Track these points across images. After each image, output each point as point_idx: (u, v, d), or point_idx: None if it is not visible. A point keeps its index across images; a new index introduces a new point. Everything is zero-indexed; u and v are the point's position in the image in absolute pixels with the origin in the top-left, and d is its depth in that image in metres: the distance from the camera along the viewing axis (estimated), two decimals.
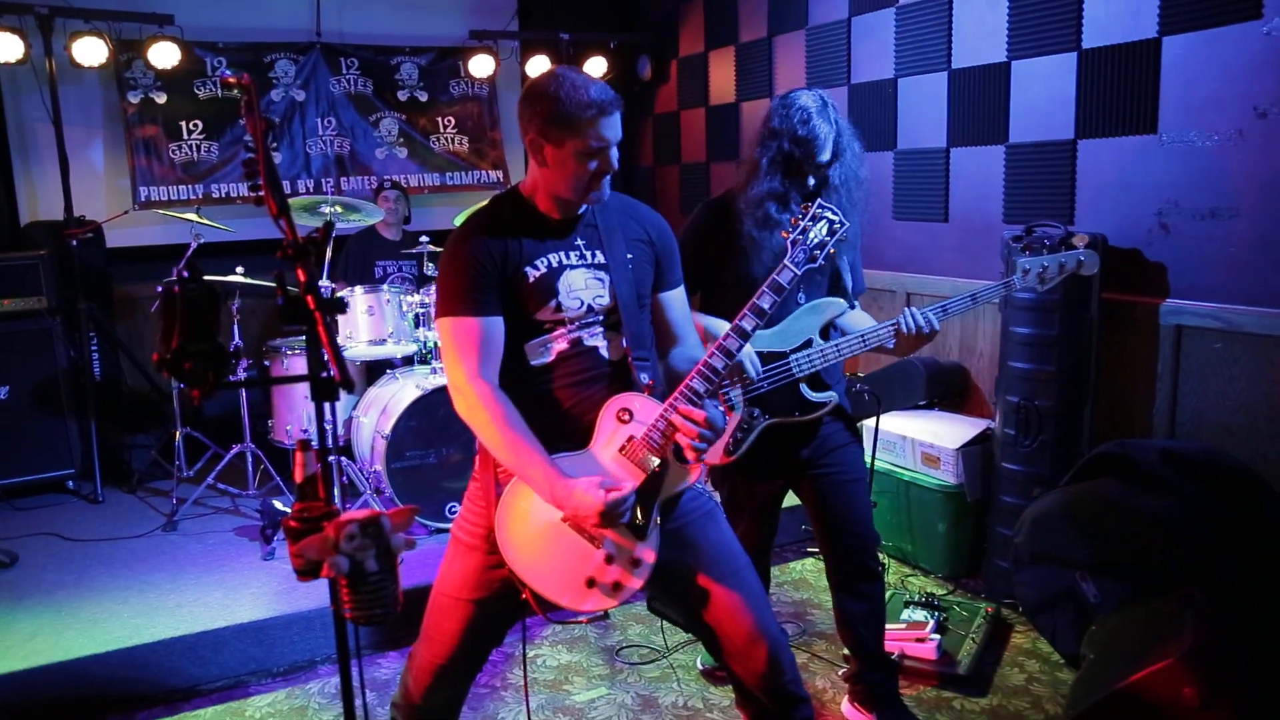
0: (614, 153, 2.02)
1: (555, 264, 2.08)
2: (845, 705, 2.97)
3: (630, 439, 2.03)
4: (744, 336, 2.08)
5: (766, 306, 2.12)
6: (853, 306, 2.75)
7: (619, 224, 2.17)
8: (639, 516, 2.01)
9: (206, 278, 1.50)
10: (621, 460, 2.03)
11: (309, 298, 1.43)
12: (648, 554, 2.03)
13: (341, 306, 1.48)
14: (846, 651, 3.02)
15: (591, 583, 2.02)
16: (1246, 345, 3.18)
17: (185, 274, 1.43)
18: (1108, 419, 3.60)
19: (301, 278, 1.46)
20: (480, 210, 2.16)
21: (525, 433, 1.98)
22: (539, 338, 2.08)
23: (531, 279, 2.05)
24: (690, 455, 1.99)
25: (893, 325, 2.57)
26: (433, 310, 4.39)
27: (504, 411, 1.98)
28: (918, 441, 3.94)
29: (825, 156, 2.54)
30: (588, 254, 2.12)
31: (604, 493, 1.91)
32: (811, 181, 2.56)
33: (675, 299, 2.27)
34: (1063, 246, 2.58)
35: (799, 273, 2.16)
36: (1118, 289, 3.52)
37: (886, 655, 2.91)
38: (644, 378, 2.10)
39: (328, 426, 1.53)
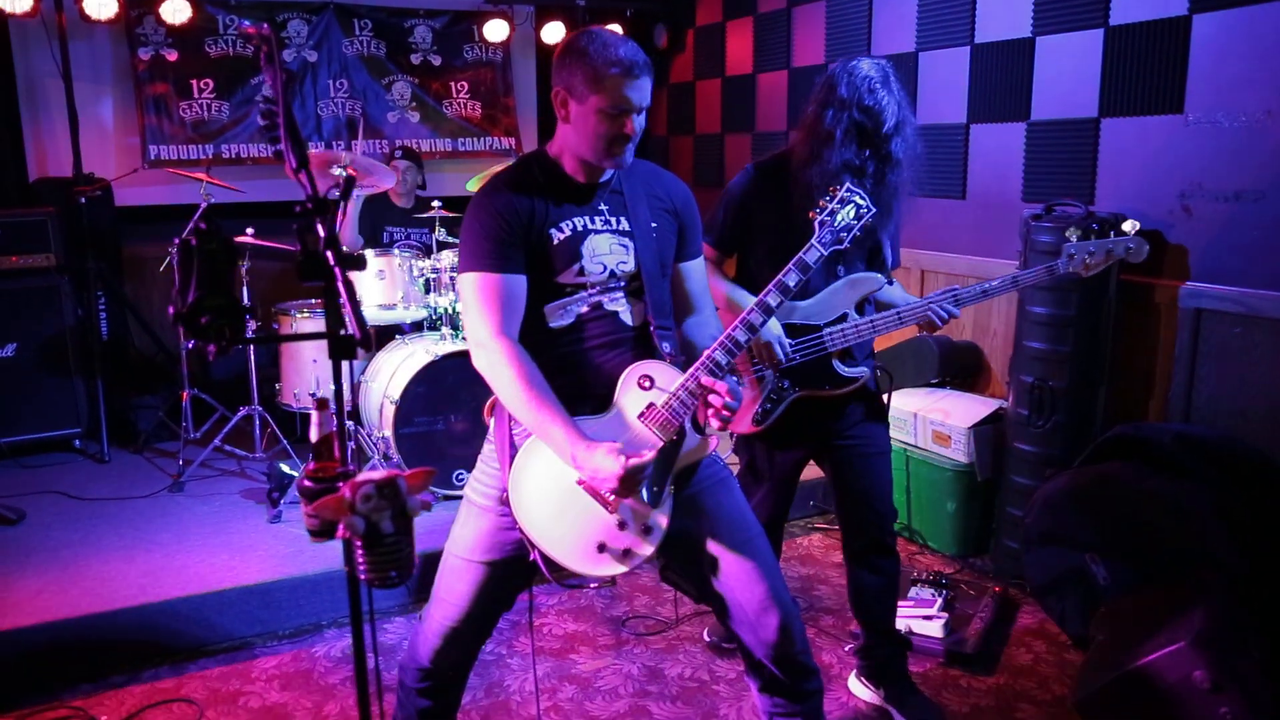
0: (638, 119, 1.99)
1: (580, 228, 2.06)
2: (853, 680, 2.97)
3: (650, 406, 2.01)
4: (768, 312, 2.06)
5: (792, 284, 2.10)
6: (890, 282, 2.72)
7: (644, 191, 2.15)
8: (654, 484, 2.00)
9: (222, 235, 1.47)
10: (640, 427, 2.01)
11: (329, 253, 1.40)
12: (660, 521, 2.02)
13: (361, 263, 1.45)
14: (854, 628, 3.02)
15: (602, 548, 2.01)
16: (1267, 330, 3.14)
17: (202, 226, 1.40)
18: (1122, 401, 3.57)
19: (321, 233, 1.43)
20: (507, 168, 2.13)
21: (546, 392, 1.96)
22: (560, 300, 2.06)
23: (556, 241, 2.03)
24: (711, 426, 1.98)
25: (926, 307, 2.54)
26: (440, 276, 4.36)
27: (525, 369, 1.96)
28: (929, 419, 3.92)
29: (889, 128, 2.50)
30: (613, 219, 2.10)
31: (625, 458, 1.88)
32: (869, 153, 2.52)
33: (695, 269, 2.25)
34: (1111, 231, 2.51)
35: (825, 253, 2.14)
36: (1137, 270, 3.47)
37: (897, 631, 2.90)
38: (665, 346, 2.08)
39: (344, 384, 1.51)
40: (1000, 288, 2.57)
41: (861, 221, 2.17)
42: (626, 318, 2.10)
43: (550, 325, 2.06)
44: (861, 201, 2.17)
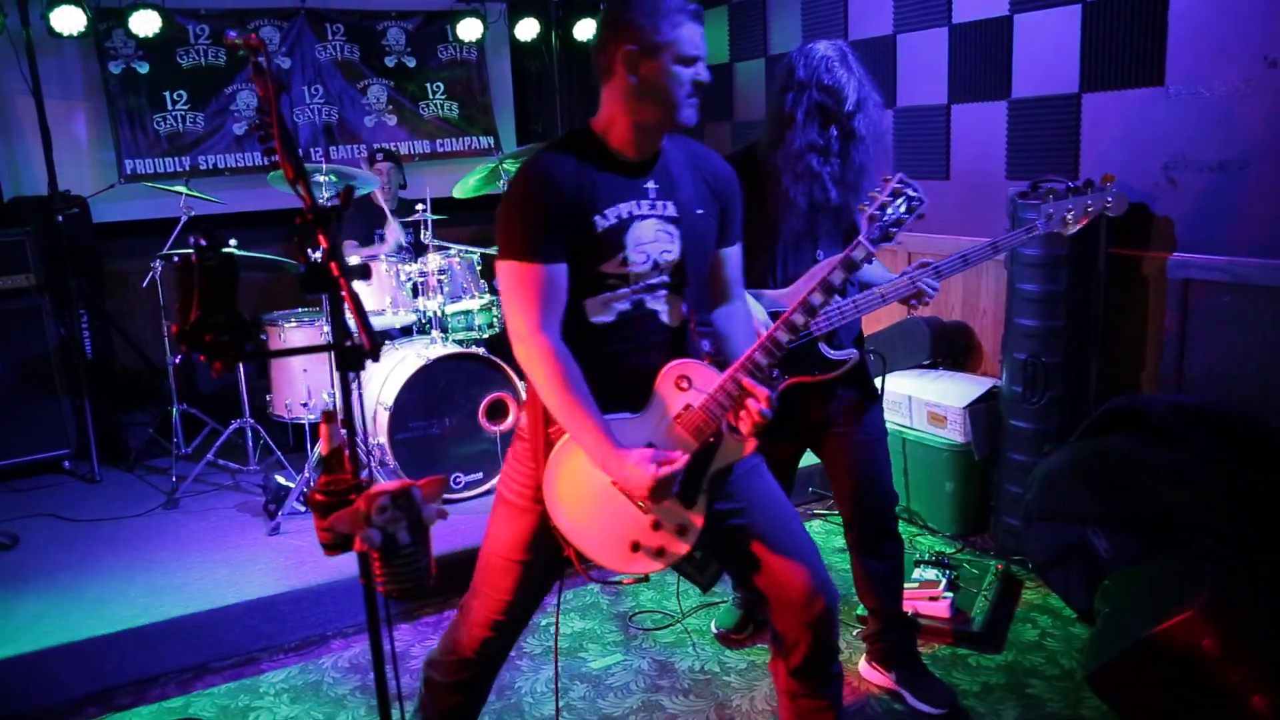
0: (705, 68, 1.94)
1: (625, 215, 1.97)
2: (863, 664, 2.97)
3: (688, 407, 1.98)
4: (811, 313, 1.99)
5: (837, 283, 2.02)
6: (869, 261, 2.71)
7: (692, 173, 2.07)
8: (689, 485, 1.97)
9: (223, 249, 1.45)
10: (677, 428, 1.99)
11: (333, 264, 1.38)
12: (696, 520, 2.00)
13: (366, 273, 1.44)
14: (861, 612, 3.02)
15: (636, 546, 2.00)
16: (1255, 297, 3.16)
17: (203, 242, 1.38)
18: (1115, 374, 3.59)
19: (324, 244, 1.41)
20: (550, 145, 2.01)
21: (584, 396, 1.92)
22: (601, 295, 1.98)
23: (600, 229, 1.94)
24: (747, 430, 1.93)
25: (908, 282, 2.55)
26: (427, 280, 4.33)
27: (565, 371, 1.91)
28: (924, 401, 3.93)
29: (851, 105, 2.49)
30: (658, 204, 2.00)
31: (655, 467, 1.87)
32: (835, 132, 2.51)
33: (734, 255, 2.17)
34: (1089, 189, 2.51)
35: (873, 250, 2.06)
36: (1125, 243, 3.50)
37: (904, 614, 2.91)
38: (705, 345, 2.06)
39: (336, 397, 1.49)
40: (979, 254, 2.55)
41: (914, 215, 2.10)
42: (666, 318, 2.05)
43: (590, 320, 1.99)
44: (914, 194, 2.10)
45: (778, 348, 1.95)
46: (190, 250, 1.40)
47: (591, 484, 1.98)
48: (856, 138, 2.53)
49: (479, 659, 2.19)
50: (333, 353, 1.42)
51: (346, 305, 1.42)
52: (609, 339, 2.00)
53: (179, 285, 1.44)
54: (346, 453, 1.46)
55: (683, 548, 2.00)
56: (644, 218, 1.98)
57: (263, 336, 4.62)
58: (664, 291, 2.03)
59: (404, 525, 1.42)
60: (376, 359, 1.41)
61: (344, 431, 1.45)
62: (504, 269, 1.94)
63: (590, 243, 1.94)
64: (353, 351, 1.41)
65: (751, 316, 2.19)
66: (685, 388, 1.99)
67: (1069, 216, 2.49)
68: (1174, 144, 3.35)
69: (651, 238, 1.99)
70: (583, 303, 1.98)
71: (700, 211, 2.04)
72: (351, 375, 1.41)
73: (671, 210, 2.01)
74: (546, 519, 2.02)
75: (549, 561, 2.10)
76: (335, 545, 1.48)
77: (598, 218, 1.94)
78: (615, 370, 2.01)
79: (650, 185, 2.01)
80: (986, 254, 2.54)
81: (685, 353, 2.07)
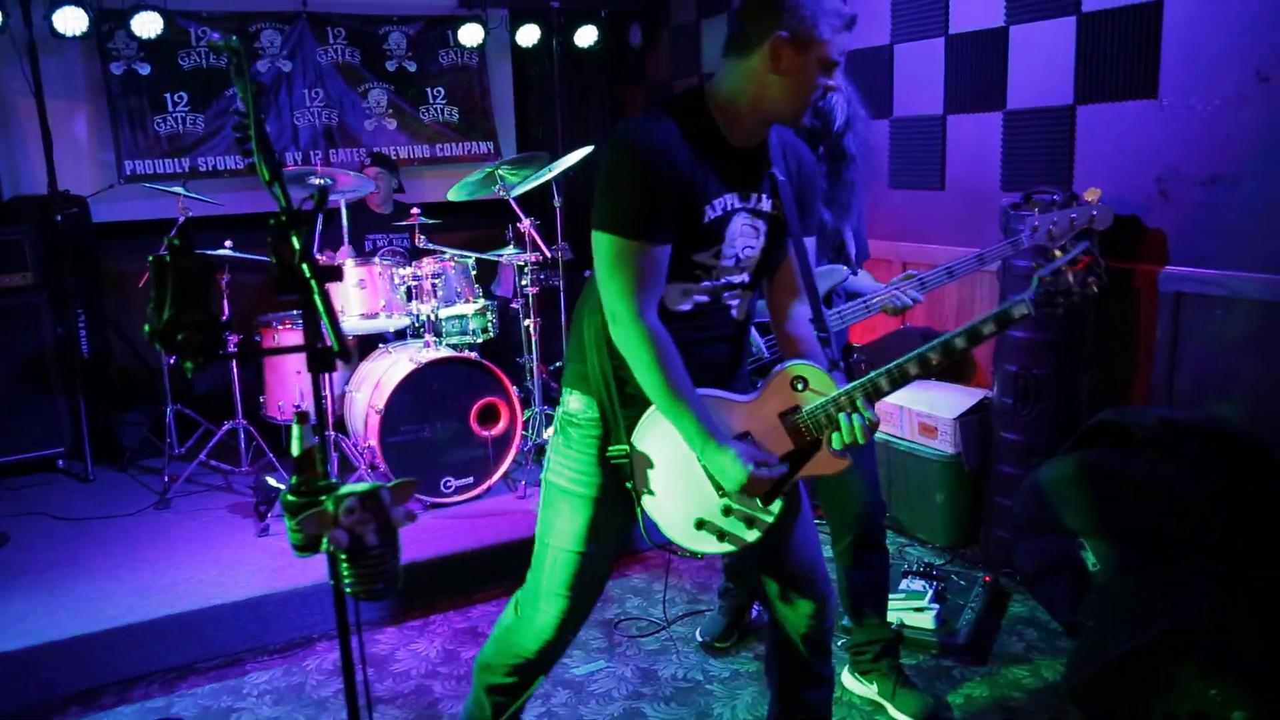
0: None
1: (730, 207, 1.91)
2: (845, 675, 2.97)
3: (796, 409, 1.94)
4: (950, 355, 1.89)
5: (985, 335, 1.90)
6: (855, 273, 2.72)
7: (785, 165, 2.00)
8: (774, 486, 1.93)
9: (196, 251, 1.46)
10: (779, 426, 1.95)
11: (304, 265, 1.39)
12: (768, 518, 1.97)
13: (337, 274, 1.44)
14: (846, 623, 3.02)
15: (701, 525, 1.97)
16: (1247, 312, 3.15)
17: (175, 241, 1.38)
18: (1106, 387, 3.58)
19: (296, 245, 1.41)
20: (663, 116, 1.88)
21: (686, 381, 1.87)
22: (684, 283, 1.93)
23: (707, 219, 1.88)
24: (842, 445, 1.89)
25: (890, 293, 2.55)
26: (421, 284, 4.33)
27: (669, 356, 1.86)
28: (915, 411, 3.92)
29: (839, 125, 2.49)
30: (756, 198, 1.95)
31: (753, 467, 1.84)
32: (824, 151, 2.51)
33: (806, 248, 2.07)
34: (1074, 203, 2.51)
35: (1031, 314, 1.91)
36: (1117, 256, 3.49)
37: (889, 626, 2.90)
38: (762, 343, 2.09)
39: (324, 395, 1.49)
40: (965, 266, 2.55)
41: (1085, 289, 1.93)
42: (736, 313, 2.02)
43: (668, 307, 1.94)
44: (1099, 268, 1.94)
45: (903, 378, 1.89)
46: (164, 250, 1.40)
47: (676, 454, 1.94)
48: (846, 157, 2.52)
49: (541, 658, 2.15)
50: (306, 354, 1.42)
51: (321, 306, 1.42)
52: (681, 327, 1.94)
53: (154, 285, 1.45)
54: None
55: (749, 538, 1.98)
56: (742, 212, 1.94)
57: (257, 338, 4.64)
58: (740, 288, 2.00)
59: (372, 527, 1.42)
60: (348, 360, 1.42)
61: (315, 436, 1.45)
62: (607, 242, 1.85)
63: (695, 231, 1.89)
64: (324, 353, 1.41)
65: (810, 315, 2.10)
66: (800, 389, 1.95)
67: (1054, 229, 2.49)
68: (1166, 157, 3.35)
69: (743, 233, 1.95)
70: (666, 287, 1.92)
71: (790, 207, 1.99)
72: (340, 376, 1.42)
73: (766, 206, 1.97)
74: (610, 496, 2.01)
75: (616, 542, 2.10)
76: (305, 545, 1.48)
77: (707, 207, 1.88)
78: (689, 360, 1.93)
79: (757, 178, 1.96)
80: (972, 266, 2.54)
81: (746, 348, 2.08)
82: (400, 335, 4.63)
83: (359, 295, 4.35)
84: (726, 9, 5.62)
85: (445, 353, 4.19)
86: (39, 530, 4.05)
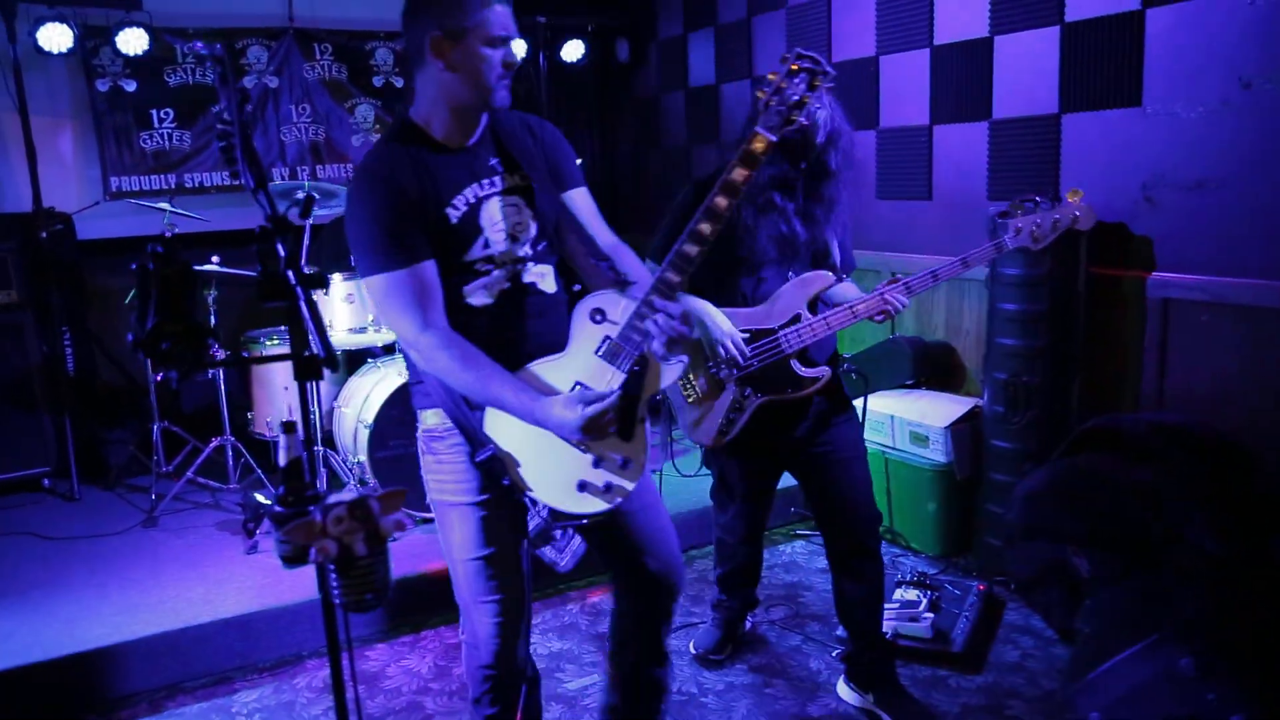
0: (516, 47, 1.98)
1: (473, 199, 1.99)
2: (841, 685, 2.95)
3: (606, 339, 1.99)
4: (715, 219, 1.94)
5: (739, 180, 1.95)
6: (840, 279, 2.71)
7: (520, 140, 2.08)
8: (625, 418, 1.97)
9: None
10: (599, 362, 1.99)
11: (290, 272, 1.37)
12: (637, 454, 2.01)
13: (323, 281, 1.43)
14: (840, 632, 3.00)
15: (584, 486, 2.00)
16: (1234, 317, 3.17)
17: (159, 250, 1.37)
18: (1096, 393, 3.59)
19: (282, 253, 1.40)
20: (377, 150, 2.00)
21: (489, 364, 1.93)
22: (477, 281, 2.01)
23: (455, 220, 1.96)
24: (664, 348, 1.93)
25: (878, 297, 2.54)
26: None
27: (463, 352, 1.92)
28: (906, 421, 3.92)
29: (821, 139, 2.46)
30: (500, 179, 2.03)
31: (583, 407, 1.87)
32: (804, 165, 2.50)
33: (576, 198, 2.15)
34: (1056, 204, 2.52)
35: (774, 140, 1.95)
36: (1104, 263, 3.51)
37: (884, 636, 2.88)
38: (608, 273, 2.08)
39: (311, 409, 1.48)
40: (949, 269, 2.56)
41: (817, 92, 1.96)
42: (546, 285, 2.08)
43: (476, 306, 2.01)
44: (816, 67, 1.96)
45: (688, 263, 1.93)
46: (147, 257, 1.39)
47: (528, 433, 1.97)
48: (827, 172, 2.51)
49: (503, 664, 2.16)
50: (291, 362, 1.41)
51: (307, 313, 1.41)
52: (499, 319, 2.02)
53: (138, 294, 1.43)
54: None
55: (629, 483, 2.01)
56: (490, 196, 2.00)
57: (244, 354, 4.60)
58: (533, 263, 2.06)
59: (360, 537, 1.40)
60: (334, 368, 1.40)
61: (303, 442, 1.44)
62: (372, 284, 1.94)
63: (449, 235, 1.95)
64: (311, 360, 1.39)
65: (631, 252, 2.17)
66: (601, 320, 2.00)
67: (1035, 230, 2.50)
68: (1152, 164, 3.37)
69: (503, 214, 2.01)
70: (462, 291, 1.99)
71: (543, 173, 2.06)
72: (329, 391, 1.40)
73: (515, 181, 2.04)
74: (494, 498, 2.03)
75: (517, 536, 2.10)
76: (293, 557, 1.46)
77: (449, 210, 1.95)
78: (514, 345, 2.02)
79: (487, 162, 2.03)
80: (956, 269, 2.55)
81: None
82: (389, 350, 4.60)
83: (347, 310, 4.33)
84: (713, 23, 5.67)
85: None
86: (25, 550, 4.00)
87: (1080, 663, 2.66)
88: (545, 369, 2.00)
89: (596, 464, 2.00)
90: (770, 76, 1.98)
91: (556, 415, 1.88)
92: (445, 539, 2.14)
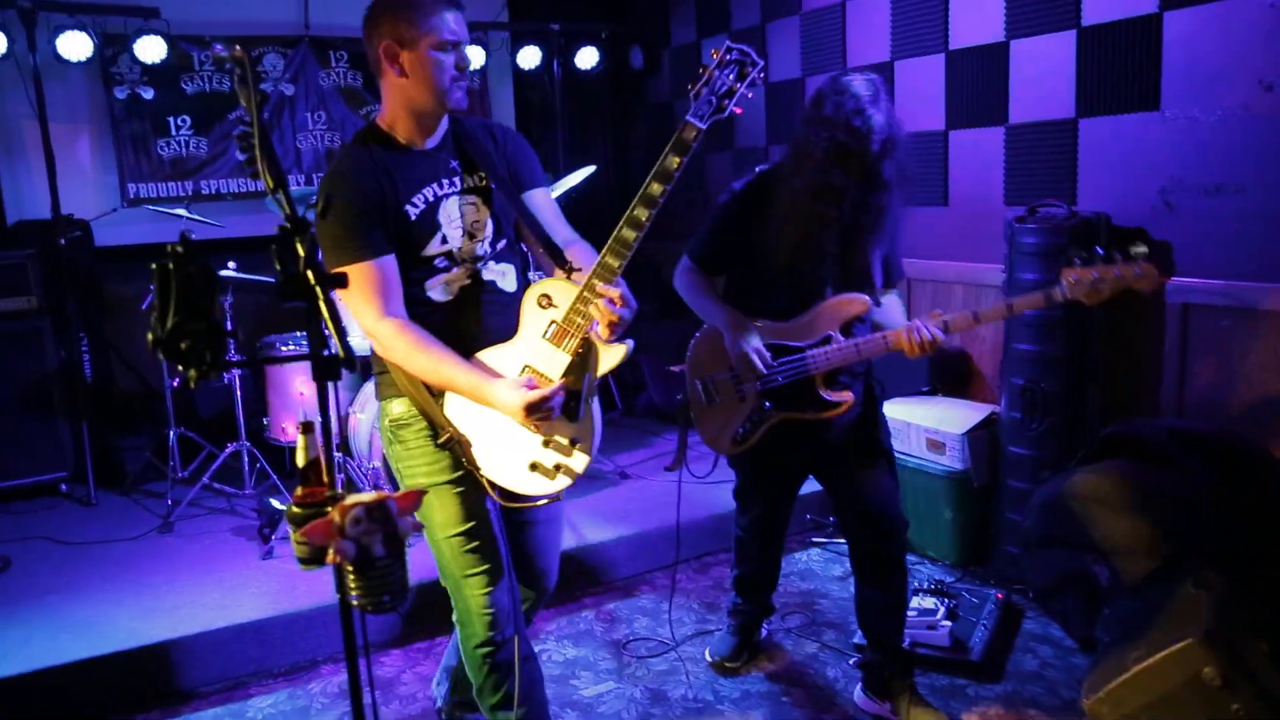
0: (468, 53, 2.09)
1: (431, 197, 2.10)
2: (858, 694, 2.92)
3: (552, 323, 2.07)
4: (651, 204, 2.02)
5: (673, 167, 2.04)
6: (878, 304, 2.60)
7: (481, 143, 2.19)
8: (571, 399, 2.07)
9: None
10: (547, 345, 2.08)
11: (309, 272, 1.37)
12: (584, 436, 2.10)
13: (343, 281, 1.42)
14: (857, 639, 2.98)
15: (534, 466, 2.10)
16: (1256, 322, 3.14)
17: (179, 249, 1.37)
18: (1114, 400, 3.56)
19: (300, 252, 1.40)
20: (344, 152, 2.14)
21: (442, 348, 2.04)
22: (437, 277, 2.12)
23: (413, 217, 2.07)
24: (606, 333, 2.01)
25: (913, 328, 2.42)
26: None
27: (417, 337, 2.03)
28: (922, 428, 3.89)
29: (876, 148, 2.36)
30: (459, 179, 2.14)
31: (524, 390, 1.97)
32: (857, 175, 2.40)
33: (536, 197, 2.25)
34: (1116, 261, 2.30)
35: (704, 127, 2.04)
36: None
37: (903, 646, 2.85)
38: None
39: (329, 409, 1.47)
40: (993, 313, 2.49)
41: (747, 82, 2.02)
42: (505, 284, 2.19)
43: (438, 301, 2.13)
44: (744, 59, 2.02)
45: (626, 247, 2.00)
46: (167, 256, 1.38)
47: (483, 415, 2.09)
48: (879, 182, 2.40)
49: (496, 635, 2.22)
50: (310, 363, 1.40)
51: (326, 313, 1.40)
52: (460, 314, 2.14)
53: (157, 293, 1.43)
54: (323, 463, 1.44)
55: (576, 464, 2.09)
56: (448, 195, 2.12)
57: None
58: (492, 261, 2.17)
59: (379, 538, 1.40)
60: (353, 369, 1.40)
61: (321, 441, 1.43)
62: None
63: (409, 232, 2.07)
64: (329, 360, 1.39)
65: (591, 248, 2.22)
66: (547, 305, 2.09)
67: (1094, 284, 2.31)
68: (1170, 168, 3.34)
69: (461, 213, 2.12)
70: (424, 286, 2.11)
71: (502, 174, 2.18)
72: (345, 396, 1.41)
73: (474, 182, 2.15)
74: (466, 473, 2.13)
75: (489, 519, 2.19)
76: (310, 559, 1.46)
77: (408, 207, 2.07)
78: (477, 340, 2.13)
79: (447, 164, 2.14)
80: (1000, 312, 2.50)
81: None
82: None
83: None
84: (727, 29, 5.66)
85: None
86: (41, 555, 4.01)
87: (1102, 671, 2.63)
88: (495, 353, 2.10)
89: (545, 444, 2.09)
90: (701, 69, 2.06)
91: (503, 396, 1.98)
92: (426, 522, 2.21)
